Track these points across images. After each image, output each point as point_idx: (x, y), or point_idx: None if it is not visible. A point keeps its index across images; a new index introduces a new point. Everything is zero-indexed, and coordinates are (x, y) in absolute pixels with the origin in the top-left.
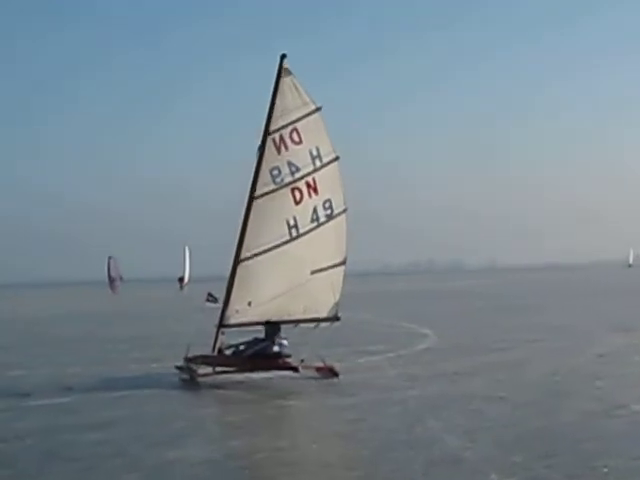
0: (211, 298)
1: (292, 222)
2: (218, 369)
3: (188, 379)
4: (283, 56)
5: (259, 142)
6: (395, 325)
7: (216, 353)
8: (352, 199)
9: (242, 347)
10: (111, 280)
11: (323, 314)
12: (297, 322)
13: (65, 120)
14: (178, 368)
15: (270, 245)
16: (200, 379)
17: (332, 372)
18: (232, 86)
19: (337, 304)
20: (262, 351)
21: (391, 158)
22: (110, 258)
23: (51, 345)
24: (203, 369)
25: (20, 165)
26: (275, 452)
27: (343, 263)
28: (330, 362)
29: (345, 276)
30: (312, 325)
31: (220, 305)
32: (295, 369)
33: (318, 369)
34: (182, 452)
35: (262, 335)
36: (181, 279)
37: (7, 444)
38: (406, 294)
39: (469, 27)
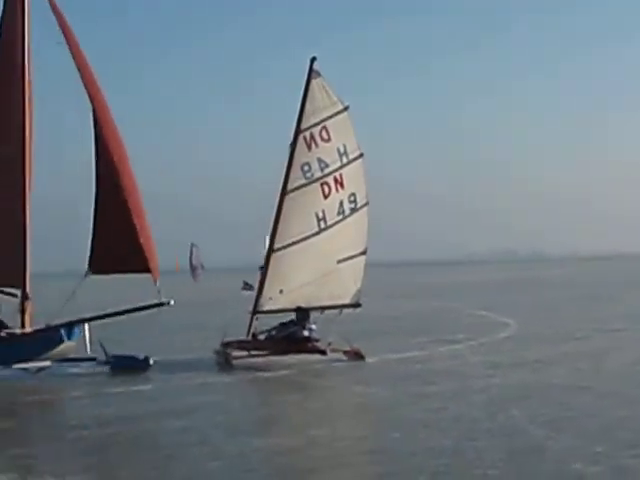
0: (247, 286)
1: (321, 215)
2: (253, 352)
3: (223, 362)
4: (313, 59)
5: (291, 139)
6: (476, 314)
7: (250, 338)
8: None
9: (274, 332)
10: (193, 268)
11: (347, 300)
12: (323, 308)
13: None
14: (216, 352)
15: (300, 237)
16: (234, 362)
17: (358, 355)
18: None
19: (359, 291)
20: (293, 335)
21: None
22: (193, 246)
23: (138, 332)
24: (238, 352)
25: None
26: (356, 441)
27: (364, 253)
28: (356, 346)
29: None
30: (337, 311)
31: (255, 292)
32: (323, 352)
33: (345, 352)
34: (264, 440)
35: (289, 321)
36: (261, 267)
37: (90, 431)
38: (488, 283)
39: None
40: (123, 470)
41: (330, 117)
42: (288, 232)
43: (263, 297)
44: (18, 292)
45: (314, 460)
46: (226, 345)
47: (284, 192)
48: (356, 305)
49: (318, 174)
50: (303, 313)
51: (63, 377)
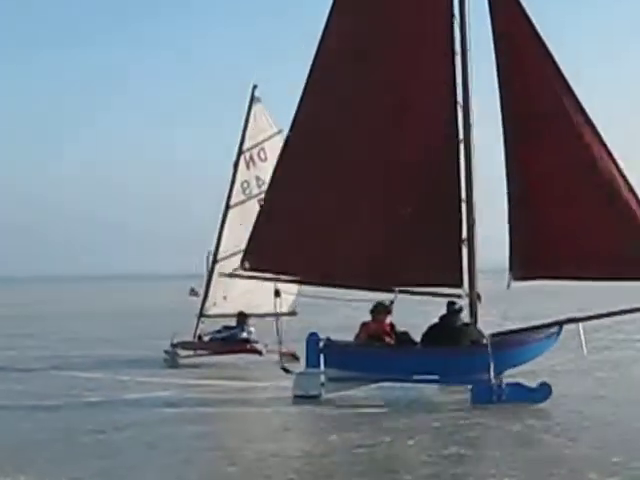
0: (193, 292)
1: None
2: (197, 352)
3: (170, 361)
4: (254, 87)
5: (234, 159)
6: (495, 323)
7: (196, 339)
8: None
9: (217, 334)
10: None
11: (283, 308)
12: (262, 316)
13: None
14: (165, 352)
15: (240, 248)
16: (181, 360)
17: (293, 357)
18: None
19: (294, 300)
20: (233, 337)
21: None
22: (209, 253)
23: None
24: (184, 352)
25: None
26: (373, 447)
27: None
28: (291, 348)
29: None
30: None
31: (200, 298)
32: (260, 353)
33: (281, 353)
34: (281, 446)
35: (232, 324)
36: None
37: (107, 435)
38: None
39: None
40: (139, 474)
41: (267, 139)
42: (229, 243)
43: (208, 302)
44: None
45: (331, 466)
46: (174, 346)
47: (227, 207)
48: (291, 313)
49: (255, 191)
50: (243, 317)
51: (80, 381)
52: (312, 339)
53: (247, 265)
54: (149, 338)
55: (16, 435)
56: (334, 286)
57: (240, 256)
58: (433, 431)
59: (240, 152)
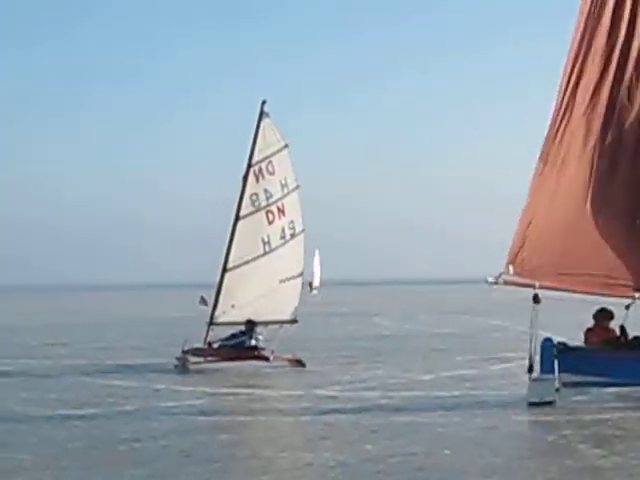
0: (203, 301)
1: (266, 239)
2: (207, 359)
3: (180, 367)
4: (263, 102)
5: (243, 173)
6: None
7: (206, 346)
8: None
9: (226, 341)
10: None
11: (286, 317)
12: (267, 323)
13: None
14: (177, 359)
15: (249, 258)
16: (191, 366)
17: (299, 363)
18: None
19: (296, 308)
20: (241, 344)
21: None
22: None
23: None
24: (194, 358)
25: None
26: (409, 457)
27: (301, 274)
28: (298, 355)
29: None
30: (277, 326)
31: (210, 307)
32: (267, 359)
33: (288, 360)
34: (316, 455)
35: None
36: (310, 284)
37: (142, 444)
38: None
39: None
40: None
41: (275, 153)
42: (238, 254)
43: (217, 311)
44: None
45: (366, 476)
46: (185, 352)
47: (237, 218)
48: (293, 321)
49: (264, 203)
50: (251, 325)
51: (115, 390)
52: (547, 344)
53: (512, 270)
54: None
55: (52, 444)
56: (573, 292)
57: (248, 266)
58: (469, 441)
59: (249, 165)
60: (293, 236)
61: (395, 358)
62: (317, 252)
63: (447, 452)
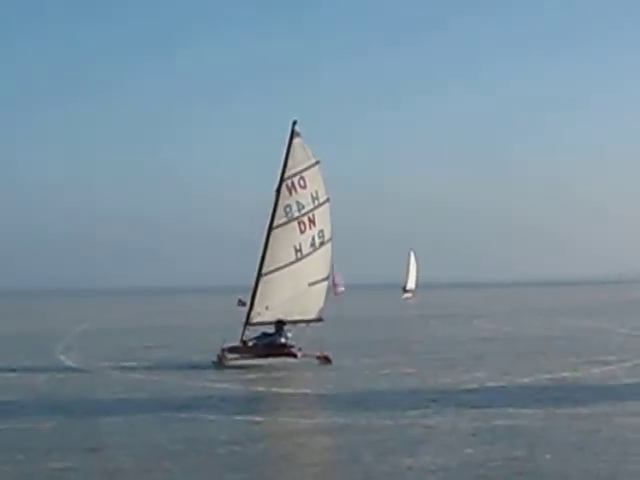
0: (241, 303)
1: (298, 247)
2: (243, 355)
3: (217, 363)
4: (294, 122)
5: (276, 186)
6: (631, 334)
7: (241, 344)
8: None
9: (259, 340)
10: (334, 284)
11: (312, 316)
12: (295, 322)
13: None
14: (217, 356)
15: (282, 264)
16: (226, 363)
17: (327, 359)
18: None
19: (322, 309)
20: (272, 342)
21: None
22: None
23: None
24: (231, 355)
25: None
26: (509, 461)
27: (327, 279)
28: (326, 352)
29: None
30: (304, 325)
31: (247, 308)
32: (295, 355)
33: (316, 357)
34: (416, 460)
35: (270, 330)
36: (405, 287)
37: (242, 447)
38: None
39: None
40: None
41: (306, 169)
42: (273, 260)
43: (253, 312)
44: None
45: None
46: (224, 350)
47: (270, 228)
48: (319, 320)
49: (296, 214)
50: (281, 324)
51: (215, 392)
52: None
53: None
54: None
55: (152, 446)
56: None
57: (281, 272)
58: (570, 445)
59: (282, 179)
60: (322, 244)
61: (495, 361)
62: (412, 254)
63: (548, 456)
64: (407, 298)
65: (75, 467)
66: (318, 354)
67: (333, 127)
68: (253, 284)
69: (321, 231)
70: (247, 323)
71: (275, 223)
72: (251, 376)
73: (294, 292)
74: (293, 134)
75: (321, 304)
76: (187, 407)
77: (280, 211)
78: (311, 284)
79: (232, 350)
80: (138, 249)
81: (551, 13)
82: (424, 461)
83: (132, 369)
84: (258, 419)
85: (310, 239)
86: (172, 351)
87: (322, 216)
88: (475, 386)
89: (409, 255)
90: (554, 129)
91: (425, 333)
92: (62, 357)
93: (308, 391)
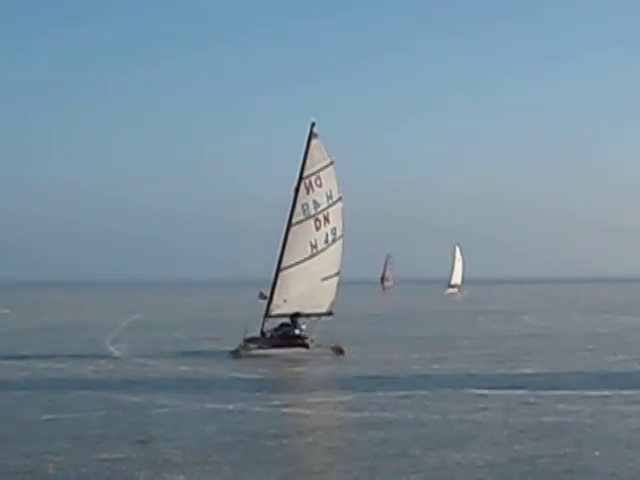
0: (262, 296)
1: (314, 243)
2: (261, 345)
3: (235, 353)
4: (313, 124)
5: (295, 185)
6: None
7: (260, 335)
8: None
9: (275, 331)
10: (384, 278)
11: (324, 309)
12: (309, 315)
13: None
14: (239, 346)
15: (299, 259)
16: (243, 353)
17: (339, 351)
18: None
19: (333, 303)
20: (287, 333)
21: None
22: (388, 256)
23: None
24: (252, 345)
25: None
26: (557, 458)
27: (338, 274)
28: (338, 343)
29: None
30: (316, 318)
31: (266, 301)
32: (307, 346)
33: (330, 347)
34: (465, 455)
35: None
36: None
37: (290, 440)
38: None
39: None
40: None
41: (322, 169)
42: (291, 255)
43: (272, 305)
44: None
45: (514, 477)
46: (245, 341)
47: (289, 225)
48: (329, 313)
49: (313, 212)
50: (295, 317)
51: (263, 384)
52: None
53: None
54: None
55: (201, 438)
56: None
57: (299, 266)
58: (619, 443)
59: (300, 178)
60: (334, 240)
61: (543, 357)
62: (457, 248)
63: (597, 454)
64: (451, 294)
65: (123, 458)
66: (332, 345)
67: (386, 125)
68: (272, 278)
69: (334, 228)
70: (266, 315)
71: (294, 220)
72: (298, 369)
73: (309, 286)
74: (311, 135)
75: (332, 298)
76: (235, 399)
77: (298, 209)
78: (323, 279)
79: (251, 341)
80: (169, 242)
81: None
82: (472, 456)
83: (180, 361)
84: (306, 412)
85: (324, 236)
86: (219, 343)
87: (335, 214)
88: (523, 382)
89: (454, 250)
90: (631, 128)
91: (472, 329)
92: (111, 348)
93: (356, 385)
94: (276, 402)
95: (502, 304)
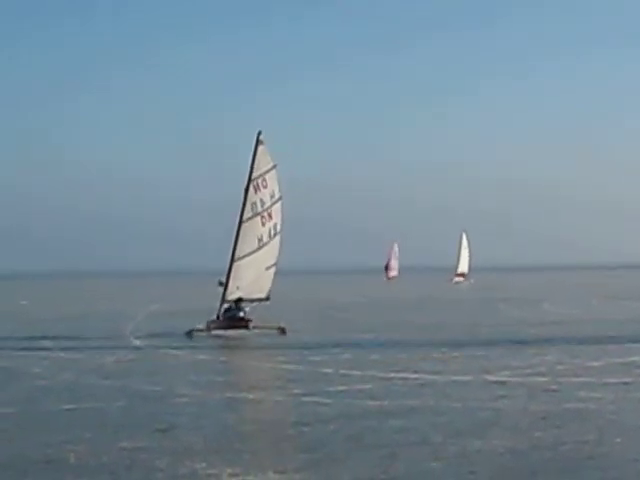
0: (221, 284)
1: (260, 237)
2: (212, 327)
3: (187, 334)
4: (259, 132)
5: (245, 185)
6: None
7: (216, 318)
8: None
9: (224, 314)
10: (388, 267)
11: (263, 295)
12: (252, 300)
13: None
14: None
15: (248, 251)
16: (195, 334)
17: (282, 331)
18: None
19: (270, 290)
20: (234, 316)
21: None
22: (393, 244)
23: (347, 330)
24: (201, 327)
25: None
26: (579, 445)
27: (276, 264)
28: (282, 324)
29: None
30: (255, 303)
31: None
32: (248, 327)
33: (270, 327)
34: (486, 442)
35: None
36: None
37: (312, 428)
38: None
39: None
40: (343, 467)
41: (267, 171)
42: (242, 248)
43: (228, 291)
44: None
45: (536, 463)
46: (208, 323)
47: (240, 222)
48: (267, 299)
49: (259, 210)
50: (239, 301)
51: (282, 373)
52: None
53: None
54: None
55: (222, 427)
56: None
57: (249, 258)
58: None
59: (249, 180)
60: (275, 235)
61: (564, 344)
62: (464, 235)
63: (618, 440)
64: (458, 282)
65: (144, 447)
66: (271, 325)
67: (417, 112)
68: (227, 268)
69: (275, 224)
70: (223, 300)
71: (244, 217)
72: (317, 358)
73: (256, 274)
74: (258, 142)
75: (269, 285)
76: (255, 388)
77: (248, 207)
78: (267, 268)
79: (212, 323)
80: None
81: None
82: (493, 444)
83: (200, 350)
84: (326, 400)
85: (268, 231)
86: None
87: (276, 211)
88: (544, 369)
89: (461, 237)
90: None
91: (492, 316)
92: (131, 338)
93: (375, 373)
94: (296, 391)
95: (524, 292)
